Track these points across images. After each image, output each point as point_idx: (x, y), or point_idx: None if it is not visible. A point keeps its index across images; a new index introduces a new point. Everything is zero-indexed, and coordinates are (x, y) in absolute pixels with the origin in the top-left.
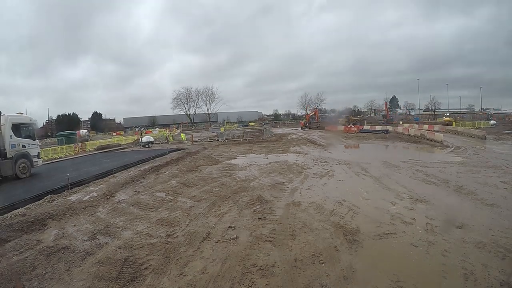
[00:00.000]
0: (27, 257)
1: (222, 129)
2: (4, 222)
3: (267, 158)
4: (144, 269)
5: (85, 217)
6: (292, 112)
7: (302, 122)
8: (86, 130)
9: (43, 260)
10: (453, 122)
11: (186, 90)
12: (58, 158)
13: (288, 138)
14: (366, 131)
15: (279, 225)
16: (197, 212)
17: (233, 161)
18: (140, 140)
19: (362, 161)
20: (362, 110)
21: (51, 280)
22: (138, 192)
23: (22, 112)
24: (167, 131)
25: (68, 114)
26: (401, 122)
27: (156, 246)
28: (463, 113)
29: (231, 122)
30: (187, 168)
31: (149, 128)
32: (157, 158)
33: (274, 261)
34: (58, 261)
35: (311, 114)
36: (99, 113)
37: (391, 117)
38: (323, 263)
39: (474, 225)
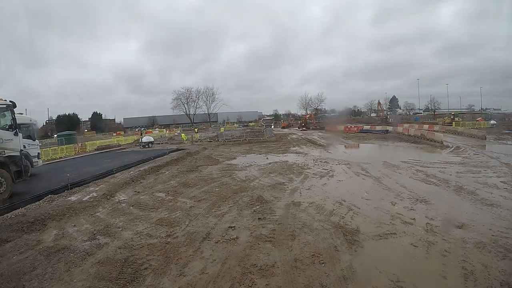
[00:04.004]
0: (27, 257)
1: (222, 129)
2: (4, 222)
3: (267, 158)
4: (144, 269)
5: (85, 217)
6: (292, 112)
7: (299, 122)
8: None
9: (43, 260)
10: (453, 122)
11: (186, 90)
12: (58, 158)
13: (288, 138)
14: (366, 131)
15: (279, 225)
16: (197, 212)
17: (233, 161)
18: (140, 140)
19: (362, 161)
20: (362, 110)
21: (51, 280)
22: (138, 192)
23: (22, 113)
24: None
25: (68, 114)
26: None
27: (156, 246)
28: (463, 113)
29: (231, 122)
30: (187, 168)
31: (149, 128)
32: (157, 158)
33: (274, 261)
34: (58, 261)
35: (307, 116)
36: (99, 113)
37: (385, 116)
38: (323, 263)
39: (474, 225)
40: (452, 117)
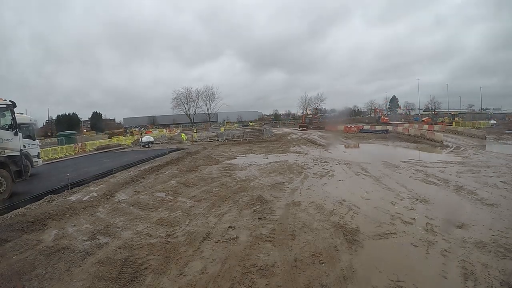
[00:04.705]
0: (27, 257)
1: (222, 129)
2: (4, 222)
3: (267, 158)
4: (144, 269)
5: (85, 217)
6: (292, 112)
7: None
8: None
9: (43, 260)
10: (453, 122)
11: (186, 90)
12: (58, 158)
13: (288, 138)
14: (366, 131)
15: (279, 225)
16: (197, 212)
17: (233, 161)
18: (140, 140)
19: (362, 161)
20: (362, 110)
21: (51, 280)
22: (138, 192)
23: (22, 113)
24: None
25: (68, 114)
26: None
27: (156, 246)
28: (463, 112)
29: (231, 122)
30: (187, 168)
31: (149, 128)
32: (157, 158)
33: (274, 261)
34: (58, 261)
35: (308, 115)
36: (99, 113)
37: (378, 116)
38: (323, 263)
39: (474, 225)
40: (452, 117)
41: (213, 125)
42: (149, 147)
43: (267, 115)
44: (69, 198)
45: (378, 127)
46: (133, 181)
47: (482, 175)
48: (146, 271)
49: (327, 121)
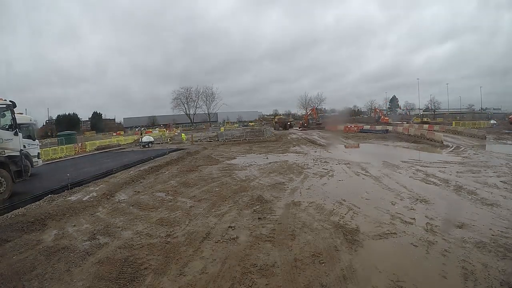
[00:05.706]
0: (27, 257)
1: (222, 129)
2: (4, 222)
3: (267, 158)
4: (144, 269)
5: (85, 217)
6: (292, 112)
7: (300, 122)
8: None
9: (43, 260)
10: (453, 122)
11: (185, 90)
12: (58, 158)
13: (288, 138)
14: (366, 131)
15: (279, 225)
16: (197, 212)
17: (233, 161)
18: (140, 140)
19: (362, 161)
20: (362, 110)
21: (51, 280)
22: (138, 192)
23: (22, 112)
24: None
25: (68, 114)
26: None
27: (156, 246)
28: (463, 112)
29: (231, 122)
30: (187, 168)
31: (149, 128)
32: (157, 158)
33: (274, 261)
34: (58, 261)
35: (309, 113)
36: (99, 113)
37: (378, 116)
38: (323, 263)
39: (474, 225)
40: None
41: (213, 125)
42: (149, 147)
43: (267, 115)
44: (69, 198)
45: (378, 127)
46: (133, 181)
47: (482, 175)
48: (146, 271)
49: (327, 121)
